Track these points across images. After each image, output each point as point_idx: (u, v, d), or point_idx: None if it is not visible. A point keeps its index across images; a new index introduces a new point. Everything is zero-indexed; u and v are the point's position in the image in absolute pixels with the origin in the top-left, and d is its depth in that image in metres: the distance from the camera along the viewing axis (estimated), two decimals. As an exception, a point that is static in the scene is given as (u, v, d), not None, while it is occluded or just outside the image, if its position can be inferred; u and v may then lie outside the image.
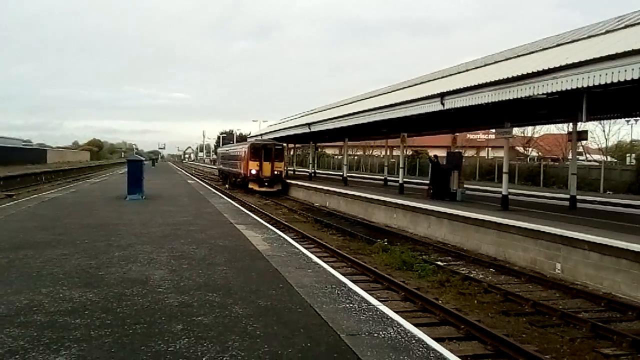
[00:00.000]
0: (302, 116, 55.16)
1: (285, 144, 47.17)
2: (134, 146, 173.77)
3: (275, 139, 54.51)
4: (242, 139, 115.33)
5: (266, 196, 42.79)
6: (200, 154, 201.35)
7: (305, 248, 14.28)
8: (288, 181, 47.89)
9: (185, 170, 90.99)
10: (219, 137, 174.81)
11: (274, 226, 19.24)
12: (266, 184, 45.00)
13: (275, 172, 45.58)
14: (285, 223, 25.08)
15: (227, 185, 55.13)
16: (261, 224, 18.56)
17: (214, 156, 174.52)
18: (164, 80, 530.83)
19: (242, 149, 49.81)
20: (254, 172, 45.12)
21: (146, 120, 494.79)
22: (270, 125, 75.92)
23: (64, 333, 6.68)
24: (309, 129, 41.77)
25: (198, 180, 55.38)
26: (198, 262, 11.26)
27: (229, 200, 29.16)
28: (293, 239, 16.39)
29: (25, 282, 9.07)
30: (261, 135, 66.18)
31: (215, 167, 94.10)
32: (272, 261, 11.57)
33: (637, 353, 9.58)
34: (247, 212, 22.87)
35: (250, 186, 45.65)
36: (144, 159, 31.53)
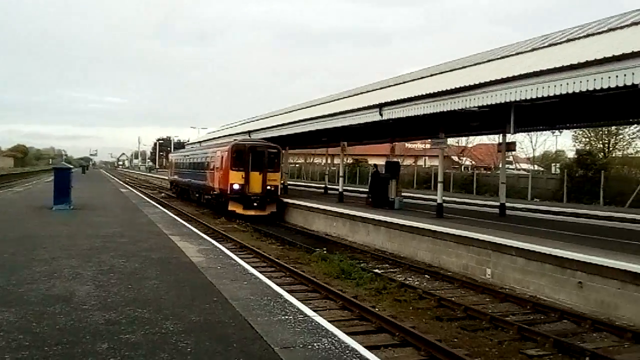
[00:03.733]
0: (243, 124, 54.84)
1: (281, 147, 33.97)
2: (62, 152, 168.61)
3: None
4: (180, 146, 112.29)
5: (255, 223, 29.44)
6: (136, 160, 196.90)
7: (243, 259, 14.12)
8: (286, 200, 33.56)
9: (118, 178, 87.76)
10: (155, 144, 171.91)
11: (210, 236, 19.03)
12: (255, 204, 31.08)
13: (269, 187, 31.63)
14: (223, 233, 24.89)
15: (181, 203, 42.94)
16: (197, 234, 18.25)
17: (150, 163, 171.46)
18: (98, 84, 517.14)
19: (216, 153, 35.51)
20: (236, 187, 31.14)
21: (78, 125, 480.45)
22: (210, 133, 75.12)
23: (-27, 359, 6.23)
24: (249, 136, 41.86)
25: (131, 188, 53.41)
26: (128, 276, 10.89)
27: (164, 210, 28.65)
28: (230, 249, 16.22)
29: None
30: (199, 142, 63.84)
31: (165, 177, 74.42)
32: (206, 274, 11.38)
33: (559, 353, 10.21)
34: (183, 222, 22.49)
35: (231, 208, 31.38)
36: (72, 167, 30.39)
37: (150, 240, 16.18)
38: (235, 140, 36.70)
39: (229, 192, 31.35)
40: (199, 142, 63.99)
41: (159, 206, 30.96)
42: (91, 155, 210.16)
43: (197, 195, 41.32)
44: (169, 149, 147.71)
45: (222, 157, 33.09)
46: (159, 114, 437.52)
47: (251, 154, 31.67)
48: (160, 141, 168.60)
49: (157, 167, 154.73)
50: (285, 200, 33.36)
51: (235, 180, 31.23)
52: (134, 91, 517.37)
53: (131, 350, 6.60)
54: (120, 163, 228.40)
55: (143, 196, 40.91)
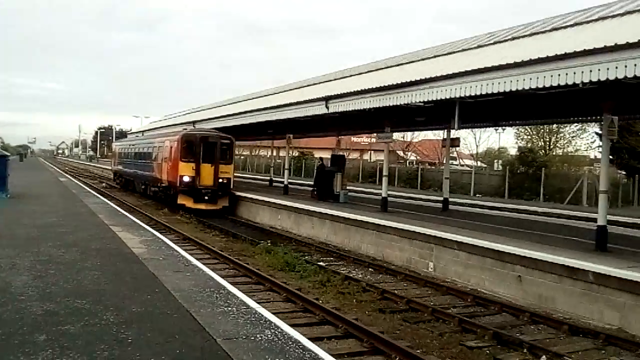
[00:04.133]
0: (187, 114, 54.00)
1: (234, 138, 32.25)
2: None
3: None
4: (121, 135, 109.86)
5: (205, 217, 28.13)
6: (76, 149, 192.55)
7: (185, 250, 14.07)
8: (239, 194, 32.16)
9: (57, 167, 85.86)
10: (96, 132, 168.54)
11: (152, 228, 18.89)
12: (206, 197, 29.42)
13: (221, 180, 30.01)
14: (166, 224, 24.48)
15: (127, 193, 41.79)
16: (139, 225, 18.09)
17: (91, 152, 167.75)
18: (38, 70, 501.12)
19: (164, 143, 33.42)
20: (187, 179, 29.31)
21: (15, 112, 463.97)
22: (152, 122, 73.72)
23: None
24: (194, 127, 41.26)
25: (71, 178, 52.35)
26: (67, 266, 10.72)
27: (105, 200, 28.25)
28: (173, 241, 16.12)
29: None
30: (142, 132, 62.38)
31: (109, 167, 68.97)
32: (148, 265, 11.28)
33: (498, 345, 10.41)
34: (125, 212, 22.23)
35: (180, 201, 29.67)
36: (8, 154, 29.78)
37: (91, 230, 15.97)
38: (185, 129, 34.59)
39: (178, 184, 29.51)
40: (143, 131, 62.11)
41: (99, 196, 30.48)
42: (29, 143, 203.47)
43: (143, 187, 38.81)
44: (110, 137, 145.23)
45: (171, 148, 31.14)
46: (100, 102, 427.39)
47: (202, 144, 29.99)
48: (102, 130, 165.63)
49: (98, 156, 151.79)
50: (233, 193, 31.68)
51: (186, 172, 29.44)
52: (75, 78, 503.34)
53: (70, 341, 6.53)
54: (60, 151, 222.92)
55: (83, 186, 40.23)
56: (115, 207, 24.62)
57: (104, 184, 52.56)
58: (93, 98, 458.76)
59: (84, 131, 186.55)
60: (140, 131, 62.84)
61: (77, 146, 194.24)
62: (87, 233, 15.25)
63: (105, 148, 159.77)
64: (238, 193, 31.98)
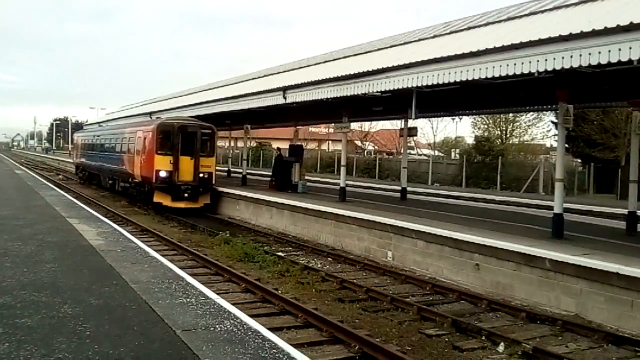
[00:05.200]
0: (144, 104, 53.18)
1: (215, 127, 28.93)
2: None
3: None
4: (77, 126, 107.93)
5: (184, 216, 25.31)
6: (31, 141, 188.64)
7: (144, 242, 14.09)
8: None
9: (12, 160, 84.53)
10: (52, 124, 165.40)
11: (110, 219, 18.74)
12: (186, 195, 26.21)
13: (202, 175, 26.83)
14: (124, 216, 24.18)
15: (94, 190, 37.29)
16: (96, 217, 17.98)
17: (47, 144, 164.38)
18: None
19: (136, 133, 29.67)
20: (163, 174, 26.04)
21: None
22: (109, 114, 72.46)
23: None
24: (151, 118, 40.66)
25: (27, 170, 51.55)
26: (23, 259, 10.62)
27: (62, 192, 27.78)
28: (131, 232, 16.07)
29: None
30: (98, 123, 61.09)
31: (66, 159, 67.49)
32: (106, 257, 11.24)
33: (457, 332, 10.48)
34: (82, 204, 21.98)
35: (157, 199, 26.41)
36: None
37: (47, 223, 15.80)
38: (158, 118, 31.48)
39: (154, 180, 26.15)
40: (105, 121, 59.32)
41: (56, 188, 30.08)
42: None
43: (110, 182, 35.28)
44: (66, 129, 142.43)
45: (145, 139, 27.74)
46: (55, 93, 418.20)
47: (181, 135, 26.56)
48: (57, 122, 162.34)
49: (54, 148, 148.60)
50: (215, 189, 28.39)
51: (162, 166, 26.09)
52: (28, 69, 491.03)
53: (27, 335, 6.50)
54: (15, 144, 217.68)
55: (40, 178, 39.69)
56: (73, 199, 24.33)
57: (60, 176, 51.64)
58: (47, 89, 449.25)
59: (39, 123, 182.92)
60: (103, 121, 59.94)
61: (32, 138, 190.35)
62: (44, 226, 15.07)
63: (61, 140, 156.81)
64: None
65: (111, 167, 34.56)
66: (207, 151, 27.52)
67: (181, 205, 26.20)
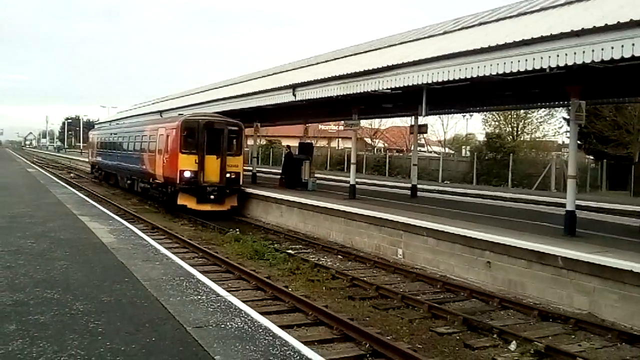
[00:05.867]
0: (154, 103, 53.30)
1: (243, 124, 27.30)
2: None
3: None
4: (89, 125, 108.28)
5: (210, 220, 23.55)
6: (43, 140, 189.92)
7: (154, 239, 14.14)
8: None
9: (25, 158, 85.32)
10: (64, 123, 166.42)
11: (121, 217, 18.80)
12: (212, 197, 24.55)
13: (229, 175, 25.16)
14: (134, 213, 24.29)
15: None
16: (108, 215, 18.09)
17: (59, 143, 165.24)
18: (1, 61, 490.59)
19: (158, 131, 28.17)
20: (188, 174, 24.50)
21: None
22: (120, 112, 72.79)
23: None
24: (161, 116, 40.75)
25: (39, 168, 51.77)
26: (36, 257, 10.69)
27: (74, 190, 27.95)
28: (142, 230, 16.17)
29: None
30: (109, 122, 61.01)
31: (76, 158, 67.18)
32: (117, 254, 11.29)
33: (468, 330, 10.42)
34: (93, 202, 22.12)
35: (181, 202, 24.84)
36: None
37: (59, 220, 15.89)
38: (181, 114, 29.09)
39: (178, 181, 24.51)
40: (121, 119, 57.82)
41: (68, 186, 30.32)
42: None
43: (129, 182, 33.59)
44: (77, 128, 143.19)
45: (168, 137, 26.14)
46: (67, 92, 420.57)
47: (207, 132, 24.84)
48: (69, 120, 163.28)
49: (65, 146, 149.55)
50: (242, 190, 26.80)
51: (187, 166, 24.47)
52: (40, 69, 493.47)
53: (40, 331, 6.54)
54: (28, 142, 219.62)
55: (51, 176, 40.02)
56: (84, 197, 24.57)
57: (71, 175, 51.93)
58: (59, 88, 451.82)
59: (51, 122, 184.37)
60: (119, 118, 58.79)
61: (44, 137, 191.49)
62: (56, 223, 15.17)
63: (73, 138, 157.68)
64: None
65: (130, 167, 32.97)
66: (234, 150, 25.99)
67: (207, 207, 24.59)
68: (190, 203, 24.64)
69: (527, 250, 12.74)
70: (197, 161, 24.48)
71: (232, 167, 25.28)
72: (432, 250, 15.63)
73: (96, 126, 64.58)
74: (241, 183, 26.14)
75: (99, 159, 43.70)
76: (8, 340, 6.21)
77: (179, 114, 29.54)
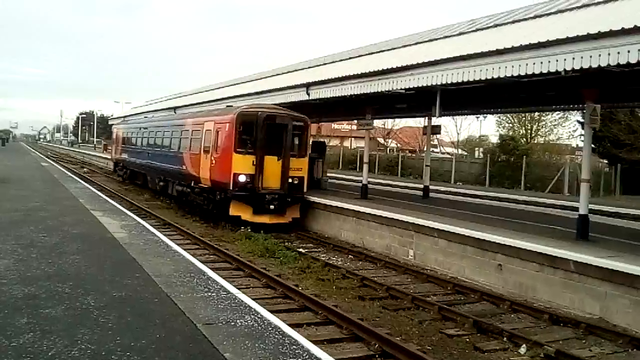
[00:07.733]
0: (169, 99, 53.36)
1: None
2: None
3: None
4: (103, 121, 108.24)
5: (272, 232, 20.14)
6: (57, 134, 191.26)
7: (166, 236, 14.21)
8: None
9: (39, 152, 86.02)
10: (78, 118, 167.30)
11: (133, 213, 18.89)
12: (272, 207, 20.29)
13: (292, 181, 21.01)
14: (147, 209, 24.37)
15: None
16: (120, 210, 18.21)
17: (73, 137, 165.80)
18: (17, 55, 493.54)
19: (204, 125, 23.56)
20: (243, 179, 20.29)
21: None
22: (134, 108, 73.01)
23: None
24: (175, 112, 40.85)
25: (53, 162, 52.26)
26: (48, 250, 10.78)
27: (86, 185, 28.13)
28: (153, 226, 16.23)
29: None
30: (123, 117, 60.47)
31: (90, 152, 64.20)
32: (129, 249, 11.36)
33: (478, 333, 10.39)
34: (106, 197, 22.24)
35: (234, 212, 20.64)
36: None
37: (72, 215, 16.01)
38: (232, 106, 24.86)
39: (231, 187, 20.32)
40: (147, 112, 52.16)
41: (81, 181, 30.48)
42: (12, 127, 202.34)
43: (161, 184, 29.12)
44: (91, 123, 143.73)
45: (218, 132, 21.80)
46: (81, 87, 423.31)
47: (267, 128, 20.51)
48: (83, 115, 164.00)
49: (79, 141, 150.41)
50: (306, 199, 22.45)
51: (242, 169, 20.32)
52: (55, 63, 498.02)
53: (51, 325, 6.59)
54: (42, 136, 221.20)
55: (65, 170, 40.28)
56: (97, 192, 24.78)
57: (85, 169, 52.15)
58: (74, 83, 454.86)
59: (65, 116, 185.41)
60: (144, 112, 53.73)
61: (58, 131, 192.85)
62: (68, 218, 15.28)
63: (87, 133, 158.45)
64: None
65: (164, 167, 28.47)
66: (299, 150, 21.91)
67: (265, 220, 20.52)
68: (245, 214, 20.63)
69: (538, 254, 12.68)
70: (254, 163, 20.37)
71: (296, 171, 21.27)
72: (443, 251, 15.59)
73: (126, 118, 58.05)
74: (305, 190, 21.99)
75: (125, 156, 39.26)
76: (19, 333, 6.26)
77: (227, 106, 25.88)
